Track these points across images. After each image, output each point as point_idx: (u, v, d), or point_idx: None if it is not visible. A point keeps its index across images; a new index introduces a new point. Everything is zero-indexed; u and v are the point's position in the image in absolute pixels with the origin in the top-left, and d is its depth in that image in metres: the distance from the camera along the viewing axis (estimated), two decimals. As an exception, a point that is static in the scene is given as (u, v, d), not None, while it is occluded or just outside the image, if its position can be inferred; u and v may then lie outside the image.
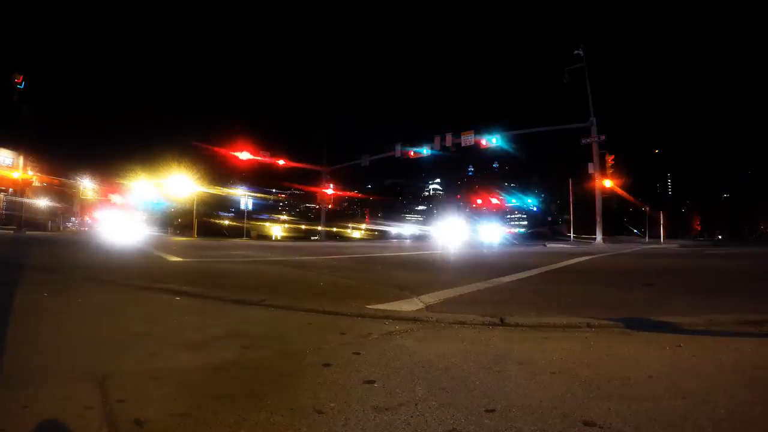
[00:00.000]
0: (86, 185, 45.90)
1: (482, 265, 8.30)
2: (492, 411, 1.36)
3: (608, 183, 23.08)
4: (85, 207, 46.64)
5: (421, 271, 6.65)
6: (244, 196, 36.35)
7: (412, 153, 30.19)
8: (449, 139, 27.46)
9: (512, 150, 28.31)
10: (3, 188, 35.44)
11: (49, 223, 41.27)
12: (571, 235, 33.98)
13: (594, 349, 2.11)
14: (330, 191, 36.99)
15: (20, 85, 20.25)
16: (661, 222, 33.97)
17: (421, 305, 3.27)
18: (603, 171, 22.76)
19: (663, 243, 26.05)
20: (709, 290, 4.46)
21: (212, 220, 44.48)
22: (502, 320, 2.64)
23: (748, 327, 2.55)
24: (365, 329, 2.47)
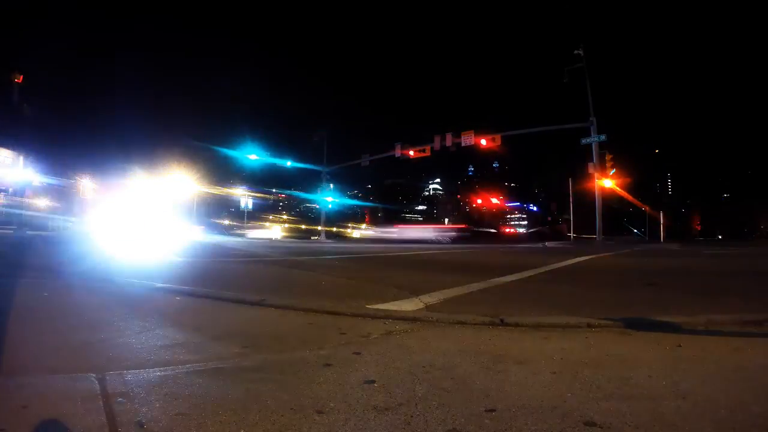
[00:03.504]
0: (86, 185, 45.91)
1: (482, 264, 8.30)
2: (492, 411, 1.36)
3: (608, 183, 23.09)
4: (85, 207, 46.62)
5: (421, 271, 6.65)
6: (244, 196, 36.39)
7: (412, 153, 30.22)
8: (449, 139, 27.48)
9: (512, 150, 28.33)
10: (3, 188, 35.46)
11: (49, 223, 41.26)
12: (572, 234, 34.00)
13: (594, 349, 2.11)
14: (330, 191, 37.06)
15: (20, 84, 20.28)
16: (661, 222, 33.99)
17: (421, 305, 3.26)
18: (603, 171, 22.76)
19: (663, 243, 26.05)
20: (709, 290, 4.45)
21: (212, 219, 44.50)
22: (502, 320, 2.64)
23: (748, 327, 2.55)
24: (365, 329, 2.47)
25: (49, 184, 42.34)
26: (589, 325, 2.54)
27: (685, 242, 28.72)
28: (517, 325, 2.58)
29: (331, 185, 37.50)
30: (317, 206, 43.55)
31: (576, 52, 23.43)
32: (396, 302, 3.36)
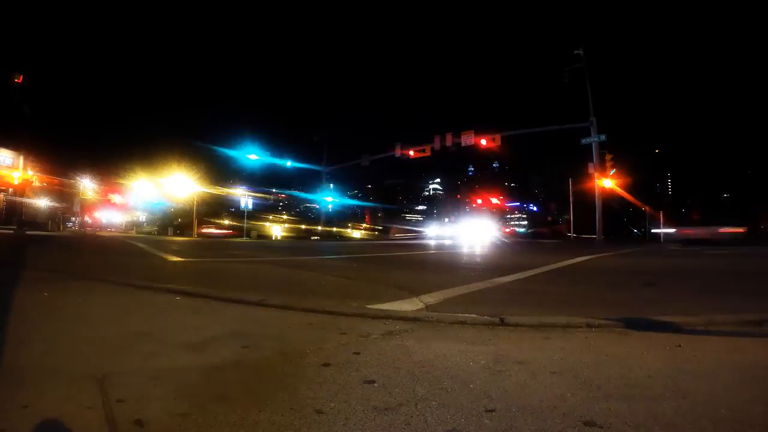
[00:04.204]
0: (86, 185, 45.94)
1: (482, 265, 8.30)
2: (492, 411, 1.36)
3: (608, 183, 23.11)
4: (85, 207, 46.66)
5: (421, 271, 6.65)
6: (243, 196, 36.34)
7: (412, 153, 30.24)
8: (449, 139, 27.52)
9: (512, 150, 28.34)
10: (3, 188, 35.46)
11: (49, 223, 41.31)
12: (572, 234, 34.00)
13: (594, 349, 2.11)
14: (330, 191, 37.12)
15: (21, 84, 20.29)
16: (661, 222, 33.98)
17: (421, 305, 3.27)
18: (603, 171, 22.79)
19: (663, 243, 26.05)
20: (708, 290, 4.45)
21: (212, 219, 44.47)
22: (502, 320, 2.64)
23: (748, 327, 2.55)
24: (365, 329, 2.48)
25: (49, 184, 42.37)
26: (589, 325, 2.54)
27: (684, 242, 28.70)
28: (517, 325, 2.58)
29: (331, 185, 37.53)
30: (317, 206, 43.56)
31: (576, 52, 23.45)
32: (396, 302, 3.36)
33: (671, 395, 1.49)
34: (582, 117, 23.53)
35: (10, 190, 33.70)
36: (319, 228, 37.83)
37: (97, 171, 46.68)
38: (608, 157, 22.80)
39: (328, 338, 2.28)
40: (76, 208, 45.37)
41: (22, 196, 29.35)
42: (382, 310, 3.02)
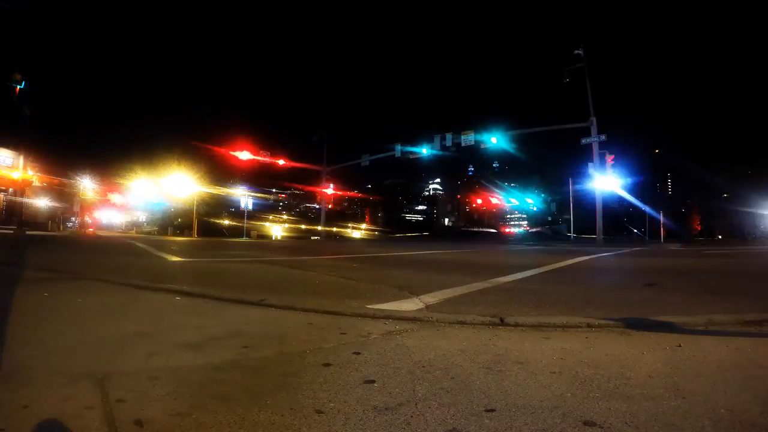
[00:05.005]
0: (86, 185, 45.96)
1: (482, 265, 8.29)
2: (492, 411, 1.36)
3: (608, 183, 23.10)
4: (85, 207, 46.65)
5: (421, 271, 6.65)
6: (244, 196, 36.33)
7: (412, 153, 30.26)
8: (449, 139, 27.52)
9: (512, 150, 28.36)
10: (3, 188, 35.44)
11: (49, 223, 41.33)
12: (572, 234, 34.06)
13: (594, 349, 2.11)
14: (330, 191, 37.13)
15: (20, 85, 20.26)
16: (661, 222, 34.04)
17: (421, 305, 3.27)
18: (603, 171, 22.78)
19: (663, 243, 26.07)
20: (708, 290, 4.45)
21: (212, 219, 44.50)
22: (502, 320, 2.64)
23: (748, 327, 2.55)
24: (365, 329, 2.47)
25: (49, 184, 42.40)
26: (589, 325, 2.54)
27: (685, 242, 28.75)
28: (517, 325, 2.58)
29: (331, 185, 37.46)
30: (317, 206, 43.57)
31: (576, 52, 23.45)
32: (396, 302, 3.36)
33: (671, 395, 1.49)
34: (582, 117, 23.54)
35: (10, 190, 33.67)
36: (319, 228, 37.81)
37: (97, 171, 46.73)
38: (608, 157, 22.80)
39: (328, 338, 2.28)
40: (76, 208, 45.36)
41: (22, 196, 29.33)
42: (382, 310, 3.02)
